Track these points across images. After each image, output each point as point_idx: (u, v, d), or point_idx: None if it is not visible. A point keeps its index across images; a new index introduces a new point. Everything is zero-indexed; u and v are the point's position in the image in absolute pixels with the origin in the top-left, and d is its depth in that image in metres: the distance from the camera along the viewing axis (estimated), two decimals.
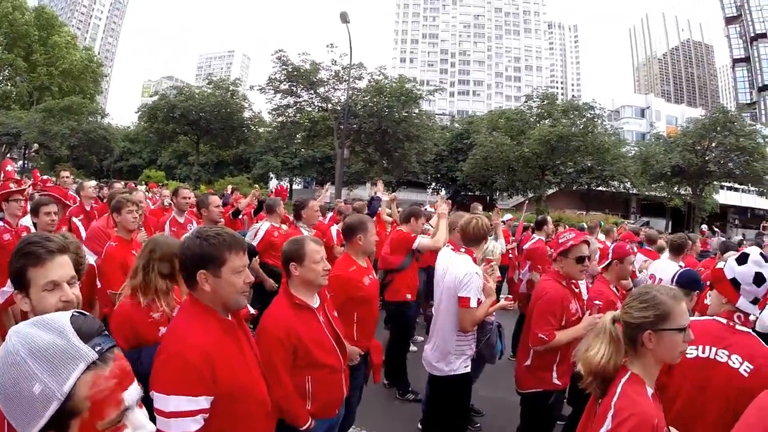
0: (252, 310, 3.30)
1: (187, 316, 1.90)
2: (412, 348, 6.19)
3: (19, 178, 7.59)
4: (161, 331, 2.57)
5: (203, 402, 1.74)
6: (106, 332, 0.99)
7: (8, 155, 40.62)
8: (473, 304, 3.32)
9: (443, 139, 40.40)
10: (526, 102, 36.21)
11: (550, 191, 38.72)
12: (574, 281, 3.37)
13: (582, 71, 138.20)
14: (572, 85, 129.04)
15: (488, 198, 43.04)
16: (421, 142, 31.30)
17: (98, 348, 0.94)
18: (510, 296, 4.07)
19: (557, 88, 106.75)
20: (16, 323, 1.02)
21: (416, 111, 31.17)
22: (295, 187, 50.02)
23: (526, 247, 6.70)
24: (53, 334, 0.92)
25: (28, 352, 0.89)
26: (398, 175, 36.86)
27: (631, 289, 3.92)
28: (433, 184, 46.36)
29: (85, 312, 1.03)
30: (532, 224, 7.29)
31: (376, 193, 7.72)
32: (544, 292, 3.26)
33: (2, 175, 6.52)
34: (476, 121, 43.57)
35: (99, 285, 3.59)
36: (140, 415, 1.00)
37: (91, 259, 4.39)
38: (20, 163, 40.35)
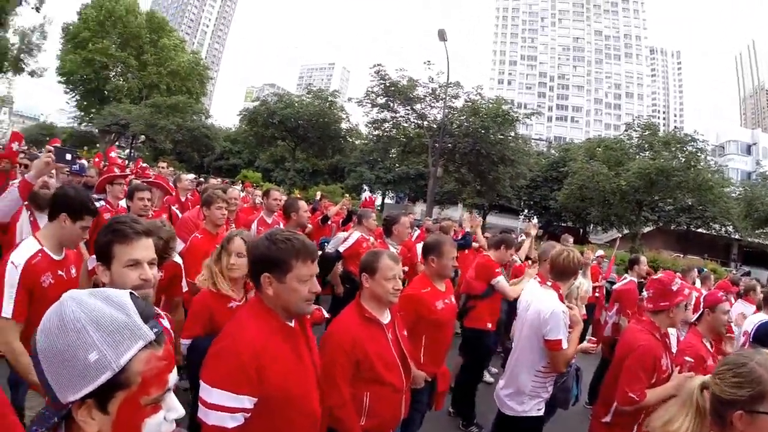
0: (326, 314, 3.29)
1: (248, 315, 1.89)
2: (487, 378, 5.94)
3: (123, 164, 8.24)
4: None
5: (246, 402, 1.73)
6: (159, 316, 1.09)
7: (116, 143, 44.89)
8: (565, 345, 3.08)
9: (538, 165, 39.01)
10: (626, 131, 34.14)
11: (647, 229, 36.32)
12: (665, 332, 3.03)
13: (685, 100, 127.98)
14: (674, 114, 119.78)
15: (581, 230, 41.24)
16: (515, 166, 30.42)
17: (155, 330, 0.99)
18: (594, 338, 3.77)
19: (659, 117, 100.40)
20: None
21: (512, 134, 30.44)
22: (387, 201, 50.56)
23: (616, 287, 6.27)
24: (115, 309, 0.96)
25: (90, 320, 0.93)
26: (490, 198, 36.02)
27: (726, 346, 3.50)
28: (526, 210, 45.02)
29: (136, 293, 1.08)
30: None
31: (462, 223, 7.58)
32: (637, 345, 2.88)
33: (107, 160, 7.18)
34: (573, 149, 41.79)
35: (185, 286, 3.52)
36: (174, 398, 1.04)
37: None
38: (127, 151, 44.34)
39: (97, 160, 8.81)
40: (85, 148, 31.34)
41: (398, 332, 2.65)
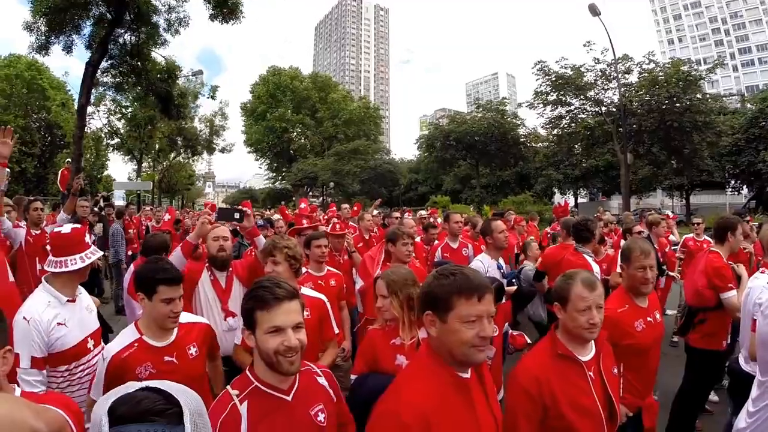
0: (528, 340, 2.95)
1: (415, 368, 1.72)
2: (713, 398, 4.67)
3: (313, 215, 8.89)
4: (398, 359, 2.54)
5: None
6: (157, 419, 0.95)
7: (309, 193, 51.43)
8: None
9: (737, 124, 32.77)
10: None
11: None
12: None
13: None
14: None
15: None
16: (711, 128, 26.41)
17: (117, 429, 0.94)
18: None
19: None
20: None
21: (699, 96, 26.52)
22: (580, 200, 48.07)
23: None
24: (101, 411, 0.97)
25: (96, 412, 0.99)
26: (691, 176, 32.28)
27: None
28: (732, 182, 38.67)
29: (158, 388, 1.03)
30: None
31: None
32: None
33: (298, 211, 7.87)
34: None
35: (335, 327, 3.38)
36: None
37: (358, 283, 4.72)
38: (321, 199, 50.01)
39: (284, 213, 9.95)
40: (282, 202, 35.50)
41: (604, 371, 2.19)
